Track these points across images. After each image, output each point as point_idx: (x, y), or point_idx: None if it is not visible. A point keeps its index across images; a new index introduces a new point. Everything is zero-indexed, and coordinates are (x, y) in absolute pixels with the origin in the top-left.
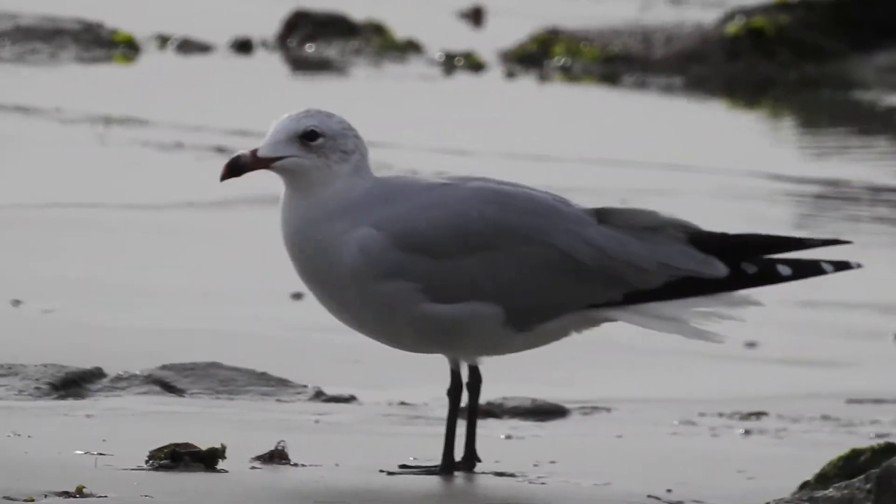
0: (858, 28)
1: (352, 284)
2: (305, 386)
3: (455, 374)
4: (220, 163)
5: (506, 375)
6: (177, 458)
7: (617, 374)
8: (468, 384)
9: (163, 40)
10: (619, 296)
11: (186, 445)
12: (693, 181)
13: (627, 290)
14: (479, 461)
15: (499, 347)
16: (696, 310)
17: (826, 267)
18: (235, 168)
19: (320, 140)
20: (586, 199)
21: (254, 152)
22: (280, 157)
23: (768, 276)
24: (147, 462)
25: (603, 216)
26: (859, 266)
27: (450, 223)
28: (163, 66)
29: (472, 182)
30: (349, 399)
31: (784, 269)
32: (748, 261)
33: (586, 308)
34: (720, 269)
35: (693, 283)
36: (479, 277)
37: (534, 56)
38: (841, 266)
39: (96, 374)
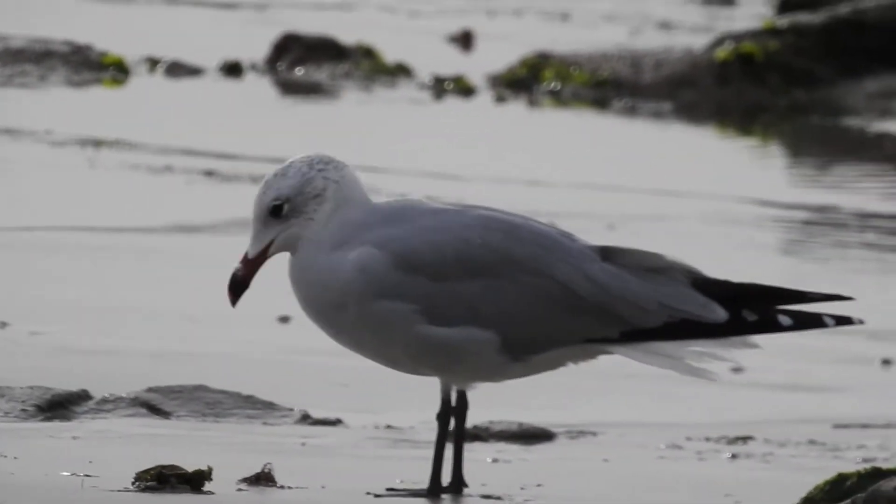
0: (848, 54)
1: (350, 303)
2: (292, 409)
3: (445, 399)
4: (210, 186)
5: (493, 399)
6: (163, 479)
7: (604, 398)
8: (455, 409)
9: (152, 63)
10: (616, 333)
11: (173, 467)
12: (682, 206)
13: (625, 327)
14: (466, 486)
15: (494, 374)
16: (692, 349)
17: (828, 321)
18: (238, 286)
19: (286, 207)
20: (576, 223)
21: (245, 258)
22: (268, 246)
23: (768, 324)
24: (133, 484)
25: (607, 254)
26: (861, 322)
27: (452, 247)
28: (152, 89)
29: (478, 210)
30: (336, 422)
31: (784, 320)
32: (749, 308)
33: (583, 342)
34: (720, 314)
35: (692, 325)
36: (477, 303)
37: (523, 80)
38: (843, 321)
39: (83, 397)
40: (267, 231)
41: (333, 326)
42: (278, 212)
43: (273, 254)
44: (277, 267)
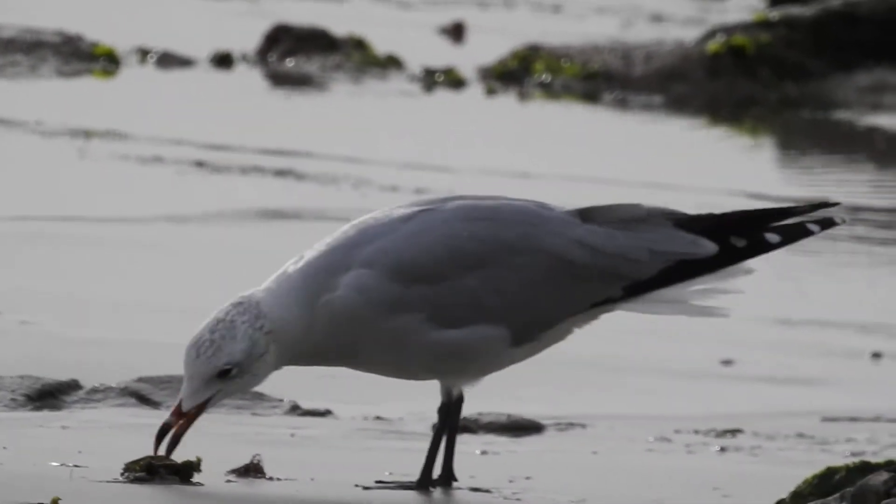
0: (840, 47)
1: (351, 327)
2: (281, 400)
3: (447, 392)
4: (200, 177)
5: (481, 391)
6: (152, 470)
7: (593, 390)
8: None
9: (143, 54)
10: (619, 290)
11: (161, 458)
12: (672, 199)
13: (625, 283)
14: (456, 480)
15: (505, 365)
16: (693, 289)
17: (812, 228)
18: (164, 435)
19: (235, 370)
20: None
21: (178, 409)
22: (206, 401)
23: (758, 245)
24: (122, 474)
25: (587, 215)
26: (844, 221)
27: (441, 245)
28: (143, 80)
29: (453, 202)
30: (325, 413)
31: (772, 237)
32: (736, 235)
33: (589, 308)
34: (709, 247)
35: (687, 265)
36: (480, 296)
37: (514, 73)
38: (826, 224)
39: (72, 386)
40: (208, 388)
41: (349, 356)
42: (226, 374)
43: (209, 408)
44: (266, 258)
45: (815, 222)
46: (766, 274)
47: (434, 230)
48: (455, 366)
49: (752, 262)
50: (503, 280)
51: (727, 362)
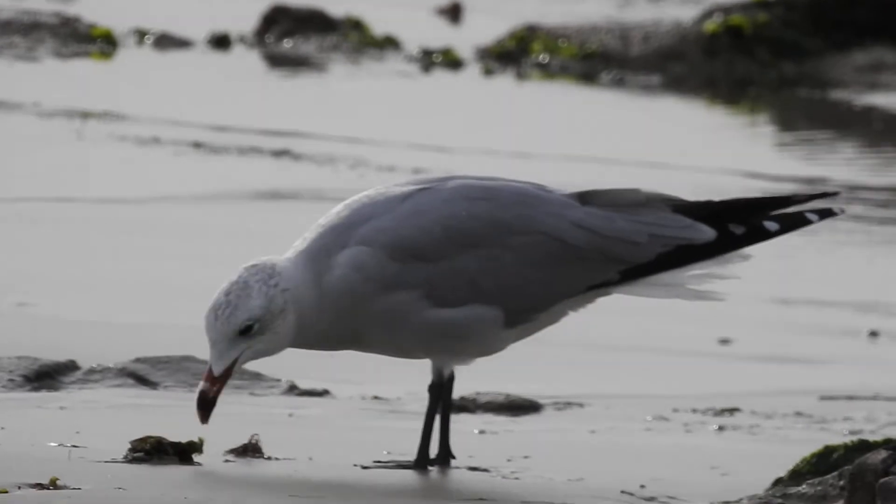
0: (837, 27)
1: (351, 305)
2: (279, 380)
3: (437, 371)
4: (198, 158)
5: (480, 370)
6: (161, 448)
7: (591, 369)
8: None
9: (141, 35)
10: (616, 274)
11: (159, 438)
12: (670, 179)
13: (623, 266)
14: (454, 458)
15: (499, 346)
16: (690, 274)
17: (811, 217)
18: (206, 404)
19: (256, 327)
20: None
21: (209, 375)
22: (234, 362)
23: (756, 233)
24: (128, 452)
25: (586, 198)
26: (842, 211)
27: (439, 225)
28: (141, 61)
29: (452, 181)
30: (323, 393)
31: (771, 225)
32: (735, 222)
33: (585, 291)
34: (708, 232)
35: (685, 250)
36: (476, 276)
37: (512, 53)
38: (825, 214)
39: (70, 367)
40: (232, 349)
41: (355, 339)
42: (248, 331)
43: (238, 369)
44: (264, 238)
45: (814, 212)
46: (764, 253)
47: (433, 209)
48: (449, 345)
49: (749, 249)
50: (500, 260)
51: (725, 341)
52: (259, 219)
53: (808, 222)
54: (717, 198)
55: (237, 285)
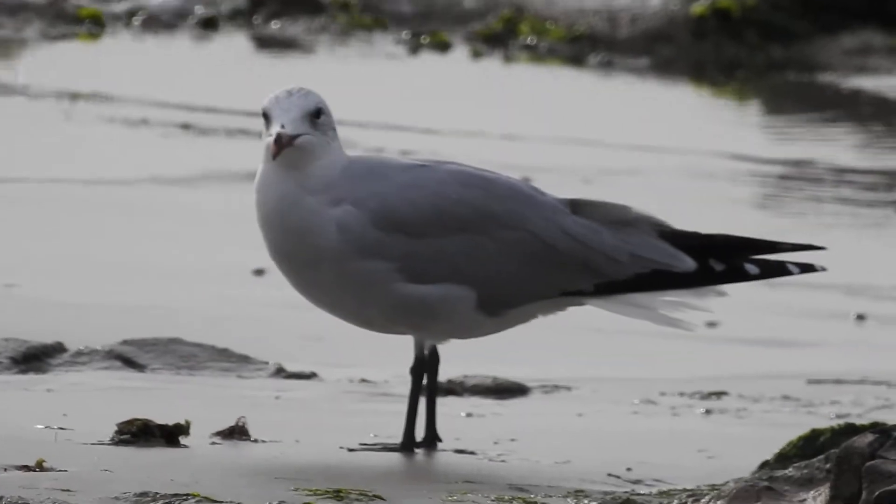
0: (825, 10)
1: (327, 262)
2: (266, 362)
3: (419, 353)
4: (186, 139)
5: (467, 353)
6: (148, 431)
7: (578, 353)
8: (427, 363)
9: (128, 16)
10: (591, 285)
11: (146, 421)
12: (657, 161)
13: (599, 279)
14: (440, 441)
15: (469, 331)
16: (664, 299)
17: (792, 268)
18: (282, 143)
19: (323, 118)
20: (551, 178)
21: (284, 133)
22: (299, 135)
23: (735, 273)
24: (114, 434)
25: (576, 207)
26: (823, 269)
27: (429, 203)
28: (128, 43)
29: (450, 165)
30: (310, 376)
31: (752, 268)
32: (717, 259)
33: (558, 296)
34: (689, 263)
35: (662, 276)
36: (455, 259)
37: (499, 35)
38: (806, 268)
39: (57, 349)
40: (303, 124)
41: (306, 280)
42: (317, 116)
43: (298, 145)
44: (251, 220)
45: (797, 264)
46: (750, 234)
47: (426, 187)
48: (416, 321)
49: (727, 287)
50: (480, 249)
51: (712, 324)
52: (248, 200)
53: (788, 273)
54: (702, 182)
55: (303, 88)
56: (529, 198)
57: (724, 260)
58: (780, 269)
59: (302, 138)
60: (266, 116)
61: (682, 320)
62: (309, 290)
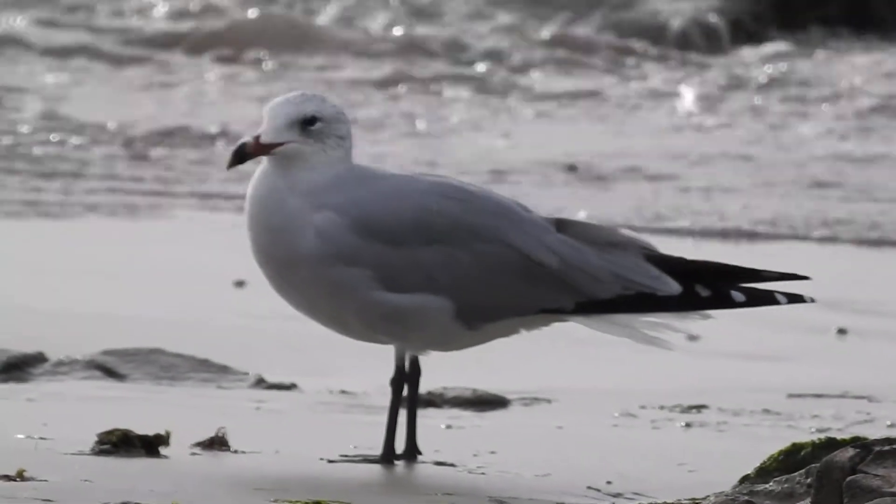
0: None
1: (305, 266)
2: (247, 373)
3: (399, 365)
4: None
5: (446, 365)
6: (127, 441)
7: (558, 365)
8: (408, 375)
9: None
10: (572, 303)
11: (126, 431)
12: None
13: (580, 298)
14: (420, 454)
15: (447, 342)
16: (646, 319)
17: (780, 298)
18: (241, 156)
19: (319, 125)
20: None
21: (256, 138)
22: (281, 143)
23: (721, 300)
24: (95, 444)
25: (561, 226)
26: (812, 301)
27: (409, 213)
28: None
29: (435, 176)
30: (290, 387)
31: (738, 296)
32: (702, 284)
33: (538, 312)
34: (673, 287)
35: (645, 298)
36: (433, 270)
37: None
38: (795, 299)
39: (38, 359)
40: (289, 132)
41: (284, 281)
42: (310, 123)
43: (279, 153)
44: (234, 231)
45: (785, 294)
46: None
47: (408, 196)
48: (393, 329)
49: (713, 311)
50: (459, 261)
51: (693, 338)
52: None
53: (776, 302)
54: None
55: (317, 94)
56: (511, 212)
57: (711, 286)
58: (768, 299)
59: (285, 146)
60: None
61: (663, 339)
62: (288, 292)
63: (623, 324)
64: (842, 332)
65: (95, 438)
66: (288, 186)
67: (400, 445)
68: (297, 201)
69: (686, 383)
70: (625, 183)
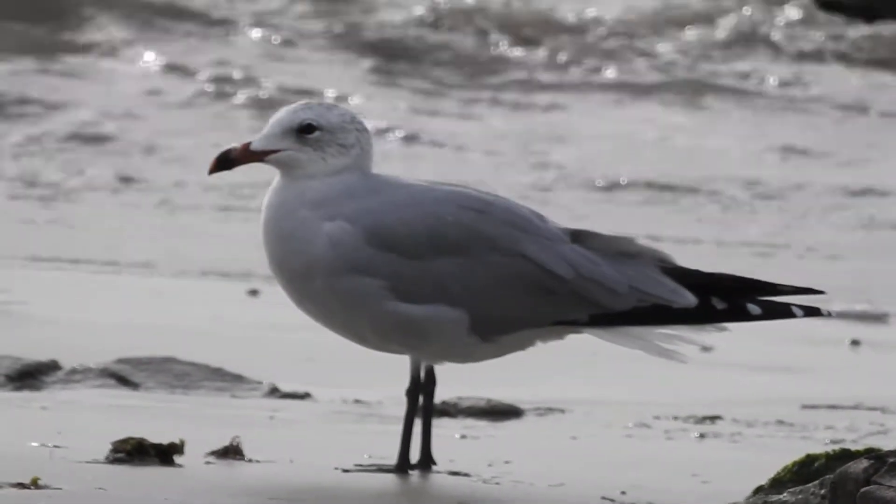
0: None
1: (319, 277)
2: (261, 382)
3: (415, 375)
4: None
5: (461, 375)
6: (142, 449)
7: (572, 375)
8: (423, 385)
9: None
10: (586, 315)
11: (141, 439)
12: None
13: (595, 310)
14: (435, 463)
15: (463, 354)
16: (661, 331)
17: (796, 311)
18: (225, 162)
19: (317, 133)
20: None
21: (246, 145)
22: (273, 151)
23: (737, 313)
24: (109, 452)
25: (577, 237)
26: (829, 315)
27: (423, 223)
28: None
29: (449, 186)
30: (304, 396)
31: (754, 308)
32: (719, 297)
33: (552, 324)
34: (690, 299)
35: (661, 310)
36: (447, 281)
37: None
38: (811, 312)
39: (52, 367)
40: (282, 140)
41: (299, 292)
42: (308, 131)
43: (272, 161)
44: (249, 240)
45: (802, 307)
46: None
47: (422, 206)
48: (407, 340)
49: (729, 324)
50: (474, 273)
51: (707, 349)
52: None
53: (792, 315)
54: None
55: (329, 103)
56: (528, 223)
57: (727, 299)
58: (784, 312)
59: (278, 154)
60: None
61: (678, 352)
62: (302, 302)
63: (638, 336)
64: (855, 343)
65: (110, 447)
66: (297, 196)
67: (415, 455)
68: (307, 211)
69: (700, 394)
70: None
